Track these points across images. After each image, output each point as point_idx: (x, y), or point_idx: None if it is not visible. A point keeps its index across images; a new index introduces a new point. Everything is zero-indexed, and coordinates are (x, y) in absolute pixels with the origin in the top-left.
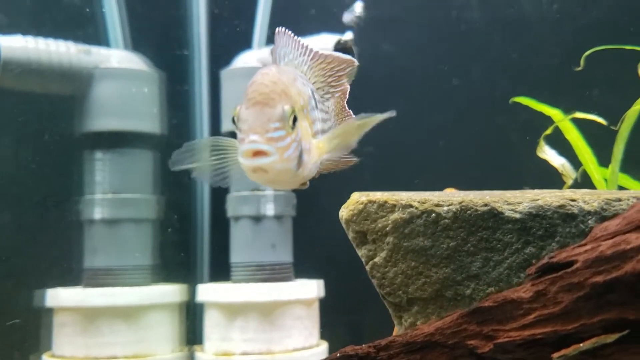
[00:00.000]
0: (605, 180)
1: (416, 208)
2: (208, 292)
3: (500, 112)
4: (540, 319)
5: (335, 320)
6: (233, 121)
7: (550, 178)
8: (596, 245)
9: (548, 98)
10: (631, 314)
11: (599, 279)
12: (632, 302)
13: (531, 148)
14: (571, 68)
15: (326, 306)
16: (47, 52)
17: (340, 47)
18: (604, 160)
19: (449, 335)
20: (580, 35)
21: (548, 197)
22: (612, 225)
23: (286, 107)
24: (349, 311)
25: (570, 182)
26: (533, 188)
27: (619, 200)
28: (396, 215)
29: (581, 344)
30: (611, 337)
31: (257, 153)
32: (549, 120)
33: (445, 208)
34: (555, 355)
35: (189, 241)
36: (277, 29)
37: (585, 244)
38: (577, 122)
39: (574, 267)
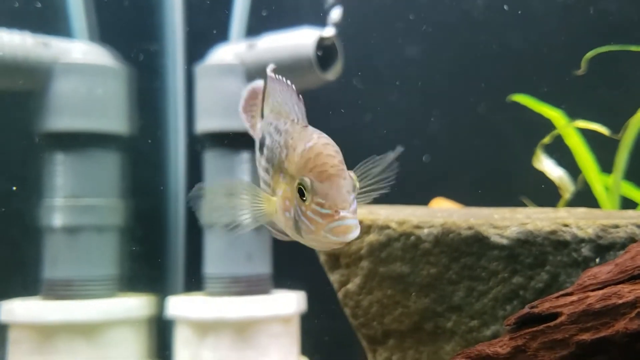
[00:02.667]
0: (607, 189)
1: (394, 230)
2: (178, 306)
3: (498, 111)
4: None
5: (318, 334)
6: (301, 192)
7: (551, 184)
8: (584, 296)
9: (549, 97)
10: None
11: (585, 336)
12: None
13: (530, 151)
14: (576, 66)
15: (308, 319)
16: None
17: (322, 43)
18: (605, 165)
19: None
20: (585, 30)
21: (539, 222)
22: (602, 272)
23: (352, 175)
24: (332, 324)
25: (567, 196)
26: (531, 195)
27: (617, 227)
28: (372, 237)
29: None
30: None
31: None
32: (548, 123)
33: (426, 231)
34: None
35: (160, 250)
36: (269, 71)
37: (571, 293)
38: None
39: (558, 320)
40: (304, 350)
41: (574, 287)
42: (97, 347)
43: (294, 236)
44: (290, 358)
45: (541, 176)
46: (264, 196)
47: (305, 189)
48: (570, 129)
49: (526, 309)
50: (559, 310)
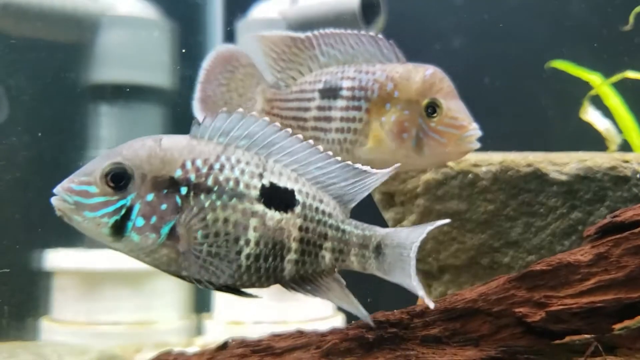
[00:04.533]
0: None
1: (451, 168)
2: None
3: (534, 76)
4: (600, 285)
5: (353, 292)
6: (432, 110)
7: (588, 147)
8: None
9: (587, 62)
10: None
11: None
12: None
13: (569, 115)
14: (614, 29)
15: (343, 275)
16: None
17: None
18: None
19: (494, 302)
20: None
21: (598, 158)
22: None
23: None
24: (367, 281)
25: (614, 147)
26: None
27: None
28: (429, 176)
29: None
30: None
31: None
32: (586, 87)
33: (484, 169)
34: (617, 326)
35: None
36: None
37: None
38: (617, 88)
39: None
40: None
41: None
42: (140, 295)
43: (407, 158)
44: (327, 310)
45: (579, 141)
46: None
47: (438, 106)
48: (609, 90)
49: (608, 218)
50: None
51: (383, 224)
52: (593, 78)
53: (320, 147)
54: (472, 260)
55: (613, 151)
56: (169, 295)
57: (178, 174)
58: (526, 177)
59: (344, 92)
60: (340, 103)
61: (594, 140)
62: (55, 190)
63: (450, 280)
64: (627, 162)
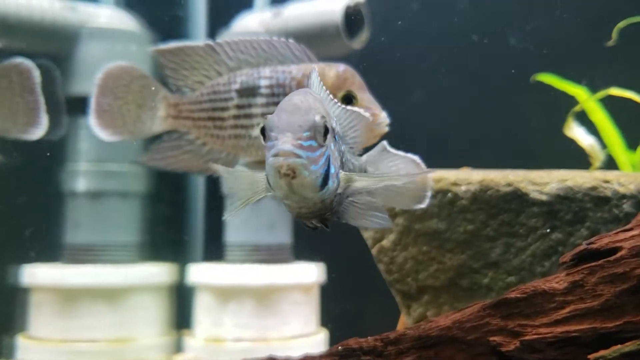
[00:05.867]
0: (633, 166)
1: (430, 187)
2: (199, 273)
3: (521, 90)
4: (576, 314)
5: (337, 306)
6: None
7: (571, 163)
8: None
9: (573, 76)
10: None
11: None
12: None
13: (552, 129)
14: (599, 43)
15: (327, 291)
16: (27, 8)
17: (350, 10)
18: (631, 144)
19: (469, 330)
20: (608, 4)
21: (579, 178)
22: None
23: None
24: (351, 297)
25: (598, 164)
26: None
27: None
28: None
29: (622, 345)
30: None
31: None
32: (572, 101)
33: (464, 187)
34: (592, 356)
35: (182, 217)
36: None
37: (630, 229)
38: (603, 103)
39: (618, 255)
40: (323, 322)
41: (633, 223)
42: (118, 311)
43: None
44: (311, 327)
45: (563, 158)
46: None
47: (354, 97)
48: (595, 104)
49: (583, 245)
50: (618, 245)
51: (363, 242)
52: (578, 92)
53: None
54: (452, 281)
55: (597, 168)
56: (147, 312)
57: (333, 123)
58: (506, 197)
59: (263, 90)
60: (260, 100)
61: (580, 155)
62: (284, 149)
63: (429, 301)
64: (607, 182)
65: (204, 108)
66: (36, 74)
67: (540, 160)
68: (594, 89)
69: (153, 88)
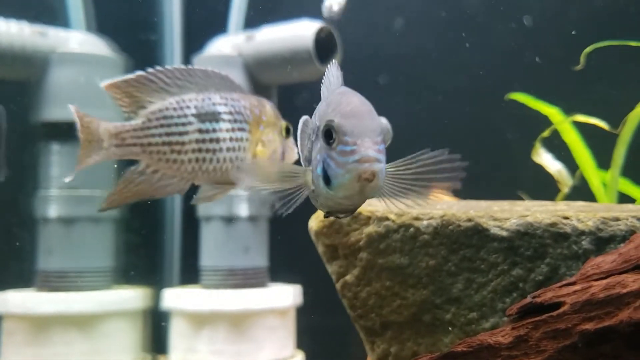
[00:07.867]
0: (604, 185)
1: (393, 221)
2: (174, 298)
3: (495, 109)
4: None
5: (314, 328)
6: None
7: (547, 179)
8: (587, 286)
9: (547, 95)
10: None
11: (589, 326)
12: (627, 356)
13: (527, 147)
14: (573, 63)
15: (304, 313)
16: None
17: (322, 34)
18: (603, 162)
19: None
20: (582, 26)
21: (539, 214)
22: (606, 262)
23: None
24: (328, 319)
25: (566, 190)
26: (528, 190)
27: (617, 220)
28: (371, 229)
29: None
30: None
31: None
32: (547, 118)
33: (425, 222)
34: None
35: (157, 242)
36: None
37: (574, 283)
38: (576, 122)
39: (561, 310)
40: (300, 344)
41: (576, 276)
42: (91, 339)
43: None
44: (286, 351)
45: (538, 172)
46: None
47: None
48: (567, 125)
49: (528, 299)
50: (561, 299)
51: (328, 276)
52: (552, 112)
53: None
54: (415, 317)
55: (564, 194)
56: (122, 338)
57: None
58: (467, 232)
59: (225, 116)
60: (225, 125)
61: (549, 180)
62: (369, 154)
63: (393, 337)
64: (567, 218)
65: (155, 133)
66: None
67: (514, 182)
68: (568, 109)
69: (94, 123)
